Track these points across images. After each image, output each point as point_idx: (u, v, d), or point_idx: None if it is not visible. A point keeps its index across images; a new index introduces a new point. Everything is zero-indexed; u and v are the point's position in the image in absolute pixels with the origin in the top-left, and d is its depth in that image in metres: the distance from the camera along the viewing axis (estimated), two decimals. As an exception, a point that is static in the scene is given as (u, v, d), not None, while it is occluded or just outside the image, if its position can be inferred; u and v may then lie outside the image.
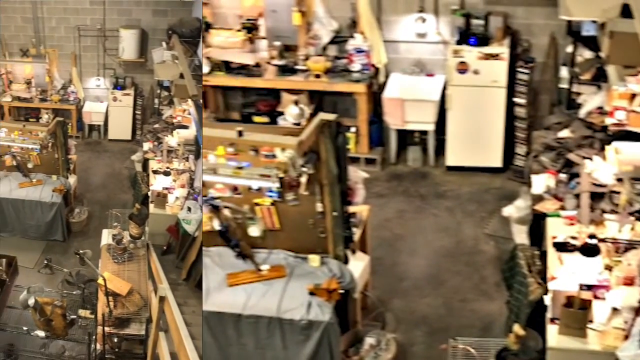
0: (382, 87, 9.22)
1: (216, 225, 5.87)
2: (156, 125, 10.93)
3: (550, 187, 7.03)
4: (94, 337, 6.48)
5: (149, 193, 8.88)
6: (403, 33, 9.27)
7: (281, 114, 9.09)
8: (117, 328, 6.49)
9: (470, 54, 8.59)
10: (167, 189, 9.07)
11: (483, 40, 8.58)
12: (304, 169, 5.69)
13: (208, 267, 6.14)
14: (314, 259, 6.12)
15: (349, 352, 6.15)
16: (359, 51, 8.95)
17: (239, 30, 9.19)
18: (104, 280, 6.23)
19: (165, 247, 8.71)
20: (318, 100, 9.43)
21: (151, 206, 8.72)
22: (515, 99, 8.75)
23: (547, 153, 7.64)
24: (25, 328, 6.68)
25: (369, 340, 6.21)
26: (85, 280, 7.37)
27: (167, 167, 9.51)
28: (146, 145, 10.41)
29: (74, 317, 6.65)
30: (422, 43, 9.28)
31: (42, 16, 12.51)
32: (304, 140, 5.45)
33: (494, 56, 8.52)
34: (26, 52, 12.50)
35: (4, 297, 6.72)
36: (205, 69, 9.15)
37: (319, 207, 5.96)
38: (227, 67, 9.14)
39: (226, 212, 5.95)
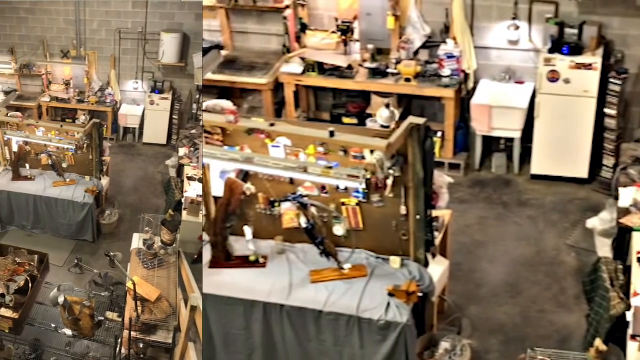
0: (470, 92, 9.06)
1: (303, 222, 5.86)
2: (193, 131, 10.71)
3: (638, 201, 6.78)
4: (119, 340, 6.30)
5: (183, 199, 8.70)
6: (495, 39, 9.08)
7: (370, 115, 9.04)
8: (143, 333, 6.30)
9: (562, 62, 8.33)
10: (201, 196, 8.63)
11: (576, 49, 8.31)
12: (391, 171, 5.65)
13: (292, 263, 6.15)
14: (395, 261, 6.06)
15: (423, 355, 6.06)
16: (450, 56, 8.81)
17: (333, 32, 9.19)
18: (134, 284, 6.06)
19: (196, 256, 8.23)
20: (406, 103, 9.35)
21: (184, 213, 8.50)
22: (606, 110, 8.45)
23: (635, 166, 7.39)
24: (53, 325, 6.46)
25: (444, 345, 6.11)
26: (112, 283, 7.16)
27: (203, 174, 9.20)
28: (182, 151, 10.21)
29: (101, 318, 6.42)
30: (513, 50, 9.06)
31: (84, 18, 12.37)
32: (392, 143, 5.38)
33: (586, 66, 8.25)
34: (66, 54, 12.48)
35: (34, 293, 6.49)
36: (299, 69, 9.19)
37: (402, 209, 5.89)
38: (319, 67, 9.14)
39: (313, 210, 5.94)
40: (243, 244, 6.29)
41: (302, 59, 9.20)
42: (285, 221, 6.26)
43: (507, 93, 8.92)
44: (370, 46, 9.10)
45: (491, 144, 9.25)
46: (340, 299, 5.76)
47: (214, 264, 6.22)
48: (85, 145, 9.53)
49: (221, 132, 6.03)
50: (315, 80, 9.24)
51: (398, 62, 8.97)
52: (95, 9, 12.35)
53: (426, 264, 6.08)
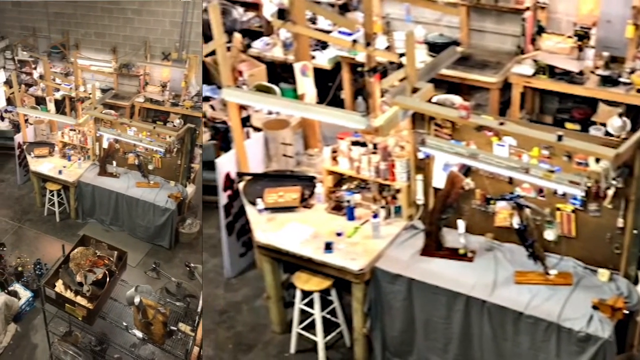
0: None
1: (515, 223, 5.45)
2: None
3: None
4: (189, 354, 5.66)
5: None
6: None
7: (594, 123, 8.22)
8: (214, 354, 5.76)
9: None
10: None
11: None
12: (614, 182, 5.12)
13: (499, 261, 5.76)
14: (604, 274, 5.47)
15: (620, 374, 5.42)
16: (690, 71, 7.75)
17: (569, 37, 8.45)
18: (211, 301, 5.50)
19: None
20: (633, 114, 8.37)
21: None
22: None
23: None
24: (124, 323, 5.99)
25: (644, 367, 5.42)
26: (185, 295, 6.44)
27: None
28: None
29: (174, 328, 5.81)
30: None
31: (191, 21, 11.29)
32: (621, 154, 4.84)
33: None
34: (167, 56, 11.66)
35: (110, 288, 6.13)
36: (530, 70, 8.54)
37: (620, 222, 5.31)
38: (550, 71, 8.42)
39: (527, 211, 5.47)
40: (455, 236, 5.99)
41: (535, 61, 8.55)
42: (498, 219, 5.88)
43: None
44: (605, 54, 8.24)
45: None
46: (543, 304, 5.29)
47: (426, 252, 5.98)
48: (175, 150, 8.79)
49: (451, 126, 5.76)
50: (544, 83, 8.53)
51: (632, 72, 8.06)
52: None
53: (636, 282, 5.44)
